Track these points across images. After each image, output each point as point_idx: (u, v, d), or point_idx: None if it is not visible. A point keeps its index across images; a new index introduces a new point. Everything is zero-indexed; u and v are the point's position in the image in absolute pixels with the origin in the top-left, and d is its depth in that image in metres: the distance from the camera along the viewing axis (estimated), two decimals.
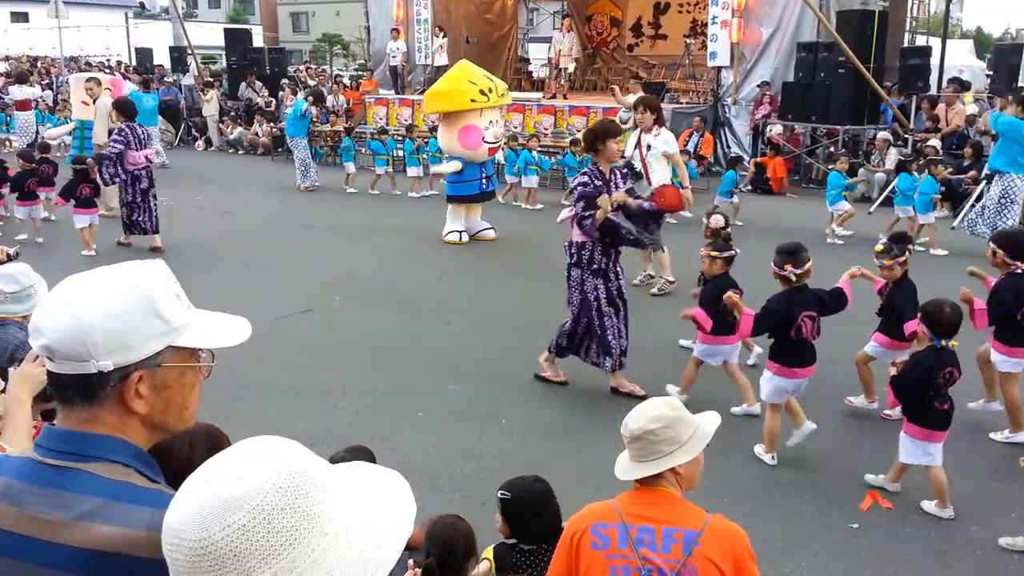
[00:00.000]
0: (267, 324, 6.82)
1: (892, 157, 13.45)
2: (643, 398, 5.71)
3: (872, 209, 11.97)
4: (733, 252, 5.48)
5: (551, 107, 16.58)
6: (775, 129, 14.57)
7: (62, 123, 15.52)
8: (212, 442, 1.83)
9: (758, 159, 14.29)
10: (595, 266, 5.53)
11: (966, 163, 12.42)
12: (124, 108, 9.97)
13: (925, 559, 4.01)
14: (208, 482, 1.07)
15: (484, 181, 10.41)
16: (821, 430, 5.29)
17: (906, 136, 13.82)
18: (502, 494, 2.83)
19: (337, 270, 9.06)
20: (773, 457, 4.83)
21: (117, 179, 9.71)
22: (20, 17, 40.14)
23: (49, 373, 1.32)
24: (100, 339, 1.25)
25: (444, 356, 6.52)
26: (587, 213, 5.40)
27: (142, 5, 48.63)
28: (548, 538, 2.71)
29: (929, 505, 4.39)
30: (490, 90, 10.19)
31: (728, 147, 15.24)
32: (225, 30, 24.35)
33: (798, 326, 4.65)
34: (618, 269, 5.68)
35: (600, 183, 5.46)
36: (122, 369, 1.28)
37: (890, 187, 11.53)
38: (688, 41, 18.11)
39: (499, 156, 11.99)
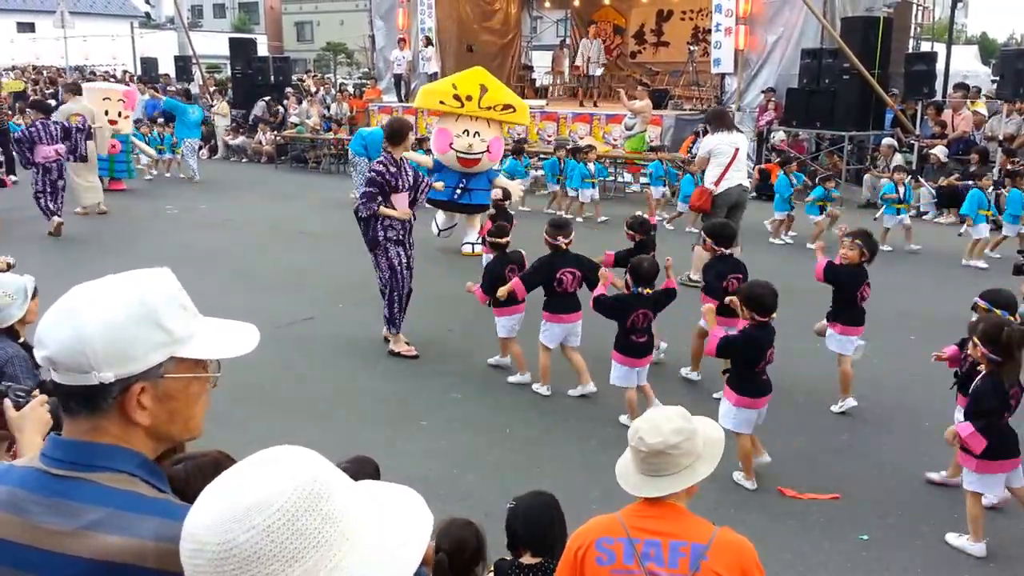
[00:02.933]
0: (269, 332, 6.74)
1: (897, 163, 13.39)
2: (414, 357, 6.53)
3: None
4: (506, 242, 6.28)
5: (554, 114, 16.58)
6: (779, 135, 14.52)
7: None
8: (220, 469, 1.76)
9: (762, 166, 14.24)
10: (394, 236, 6.40)
11: (972, 168, 12.35)
12: (39, 106, 11.03)
13: (936, 571, 3.95)
14: (230, 488, 1.07)
15: (458, 191, 9.82)
16: (825, 441, 5.22)
17: (911, 142, 13.76)
18: (510, 504, 2.79)
19: (339, 277, 9.02)
20: (548, 389, 5.86)
21: (28, 164, 10.78)
22: (26, 27, 40.28)
23: (54, 383, 1.30)
24: (100, 349, 1.24)
25: (447, 364, 6.48)
26: (371, 190, 6.28)
27: (147, 15, 48.84)
28: (545, 553, 2.66)
29: (624, 419, 5.10)
30: (468, 98, 9.76)
31: None
32: (230, 39, 24.42)
33: (559, 279, 5.69)
34: (411, 241, 6.56)
35: (394, 169, 6.37)
36: (123, 381, 1.26)
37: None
38: (691, 48, 18.11)
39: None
